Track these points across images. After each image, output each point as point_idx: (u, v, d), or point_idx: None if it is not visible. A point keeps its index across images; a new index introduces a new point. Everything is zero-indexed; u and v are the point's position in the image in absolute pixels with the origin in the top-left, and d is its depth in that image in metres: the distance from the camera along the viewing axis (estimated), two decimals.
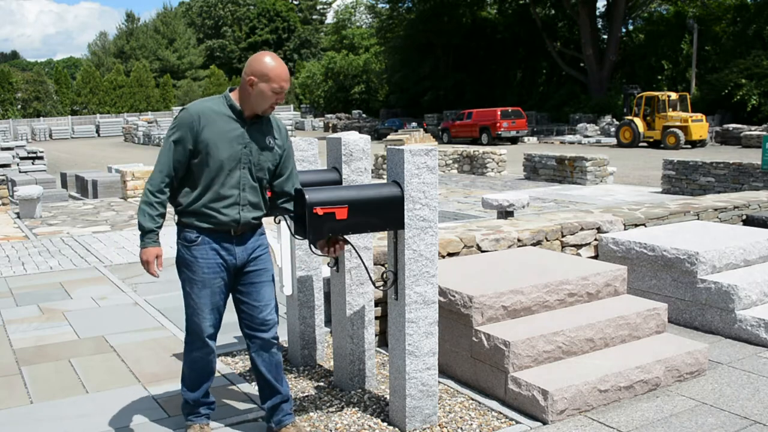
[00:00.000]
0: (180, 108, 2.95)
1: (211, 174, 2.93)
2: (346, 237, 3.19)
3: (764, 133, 24.25)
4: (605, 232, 5.63)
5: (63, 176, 17.64)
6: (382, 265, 4.38)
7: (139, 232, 2.95)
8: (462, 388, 3.81)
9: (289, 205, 3.20)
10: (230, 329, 4.91)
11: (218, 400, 3.69)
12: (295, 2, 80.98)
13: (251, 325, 3.16)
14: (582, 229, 5.54)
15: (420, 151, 3.12)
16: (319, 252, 3.23)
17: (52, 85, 59.61)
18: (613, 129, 31.55)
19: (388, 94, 55.33)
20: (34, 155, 20.96)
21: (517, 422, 3.40)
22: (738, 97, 31.39)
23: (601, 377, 3.56)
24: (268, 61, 2.96)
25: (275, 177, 3.15)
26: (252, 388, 3.81)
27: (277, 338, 3.22)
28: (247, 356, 4.34)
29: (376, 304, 4.42)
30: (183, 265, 3.04)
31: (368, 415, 3.46)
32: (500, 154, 17.97)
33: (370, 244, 3.71)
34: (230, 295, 3.17)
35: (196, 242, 2.99)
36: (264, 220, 3.76)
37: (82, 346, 4.64)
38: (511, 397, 3.57)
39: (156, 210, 2.92)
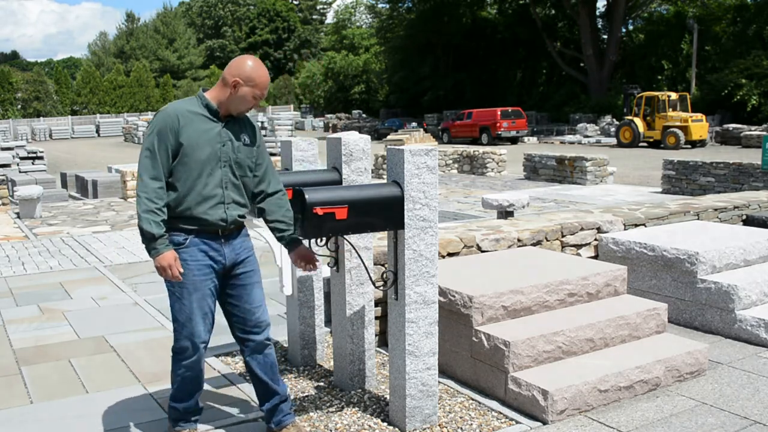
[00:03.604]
0: (156, 111, 2.92)
1: (193, 175, 2.91)
2: (346, 237, 3.19)
3: (764, 133, 24.24)
4: (605, 232, 5.63)
5: (63, 176, 17.65)
6: (382, 265, 4.38)
7: (146, 242, 2.87)
8: (462, 388, 3.81)
9: (266, 204, 3.15)
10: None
11: (218, 400, 3.69)
12: (295, 2, 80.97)
13: (244, 328, 3.13)
14: (582, 229, 5.54)
15: (420, 151, 3.12)
16: (319, 252, 3.22)
17: (52, 85, 59.62)
18: (613, 129, 31.54)
19: (388, 94, 55.32)
20: (34, 155, 20.94)
21: (517, 422, 3.40)
22: (738, 97, 31.39)
23: (601, 377, 3.55)
24: (255, 66, 2.96)
25: (253, 177, 3.12)
26: (252, 388, 3.80)
27: (270, 339, 3.20)
28: None
29: (376, 304, 4.42)
30: None
31: (368, 415, 3.46)
32: (500, 154, 17.96)
33: (370, 244, 3.71)
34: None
35: (184, 245, 2.94)
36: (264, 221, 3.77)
37: (82, 346, 4.64)
38: (511, 397, 3.57)
39: (159, 216, 2.85)
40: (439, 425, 3.34)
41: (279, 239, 3.20)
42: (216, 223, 2.96)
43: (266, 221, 3.18)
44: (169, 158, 2.89)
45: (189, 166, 2.90)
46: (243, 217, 3.07)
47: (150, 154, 2.87)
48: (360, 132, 18.17)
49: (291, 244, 3.18)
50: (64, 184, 17.05)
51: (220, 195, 2.96)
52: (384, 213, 3.10)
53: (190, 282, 2.95)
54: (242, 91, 2.93)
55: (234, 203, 3.01)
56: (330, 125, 50.08)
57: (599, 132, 33.67)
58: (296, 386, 3.85)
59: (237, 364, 4.21)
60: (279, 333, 4.79)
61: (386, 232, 3.39)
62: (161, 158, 2.87)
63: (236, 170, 3.01)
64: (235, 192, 3.02)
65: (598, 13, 42.49)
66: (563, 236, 5.44)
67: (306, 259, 3.19)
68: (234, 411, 3.54)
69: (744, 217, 6.64)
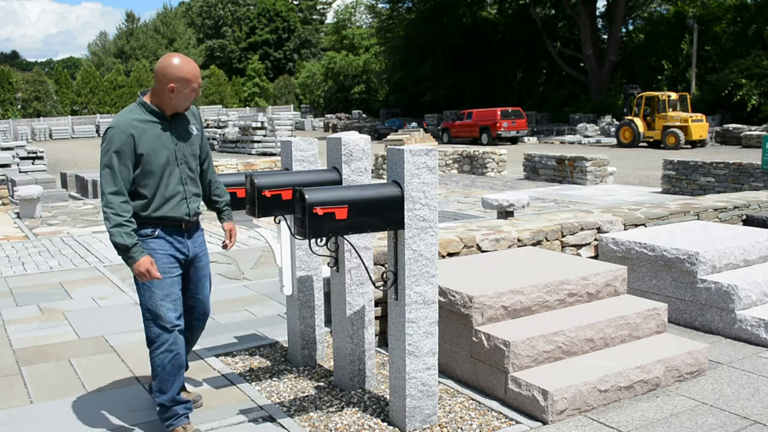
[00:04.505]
0: (107, 127, 3.13)
1: (156, 179, 3.09)
2: (346, 237, 3.21)
3: (764, 133, 24.25)
4: (605, 232, 5.63)
5: (63, 176, 17.64)
6: (382, 265, 4.38)
7: (121, 253, 3.01)
8: (462, 388, 3.81)
9: (217, 196, 3.49)
10: (230, 329, 4.92)
11: (218, 400, 3.69)
12: (295, 2, 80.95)
13: (193, 314, 3.43)
14: (582, 229, 5.54)
15: (420, 151, 3.12)
16: (319, 252, 3.23)
17: (52, 85, 59.60)
18: (613, 129, 31.56)
19: (388, 94, 55.34)
20: (34, 155, 20.98)
21: (517, 422, 3.40)
22: (738, 97, 31.41)
23: (601, 377, 3.56)
24: (182, 64, 3.09)
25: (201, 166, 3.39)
26: (252, 388, 3.81)
27: None
28: (247, 356, 4.35)
29: (376, 304, 4.42)
30: None
31: (368, 415, 3.46)
32: (500, 154, 17.96)
33: (370, 244, 3.71)
34: None
35: (152, 236, 3.13)
36: (264, 220, 3.85)
37: (82, 346, 4.64)
38: (511, 397, 3.57)
39: (128, 227, 2.99)
40: (439, 425, 3.35)
41: (214, 209, 3.52)
42: (181, 217, 3.18)
43: (214, 200, 3.50)
44: (130, 172, 3.04)
45: (152, 173, 3.08)
46: (199, 207, 3.34)
47: (110, 172, 3.00)
48: (360, 132, 18.16)
49: (223, 213, 3.52)
50: (64, 184, 17.04)
51: (182, 191, 3.19)
52: (384, 213, 3.10)
53: (159, 270, 3.09)
54: (181, 93, 3.10)
55: (194, 196, 3.26)
56: (330, 125, 50.08)
57: (599, 132, 33.67)
58: (296, 386, 3.85)
59: (237, 364, 4.21)
60: (279, 333, 4.79)
61: (386, 232, 3.39)
62: (122, 174, 3.01)
63: (191, 164, 3.24)
64: (193, 185, 3.26)
65: (598, 13, 42.49)
66: (563, 236, 5.44)
67: (233, 234, 3.51)
68: (234, 411, 3.54)
69: (744, 217, 6.64)
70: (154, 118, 3.11)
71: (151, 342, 3.16)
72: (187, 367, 3.55)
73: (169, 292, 3.12)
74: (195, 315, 3.43)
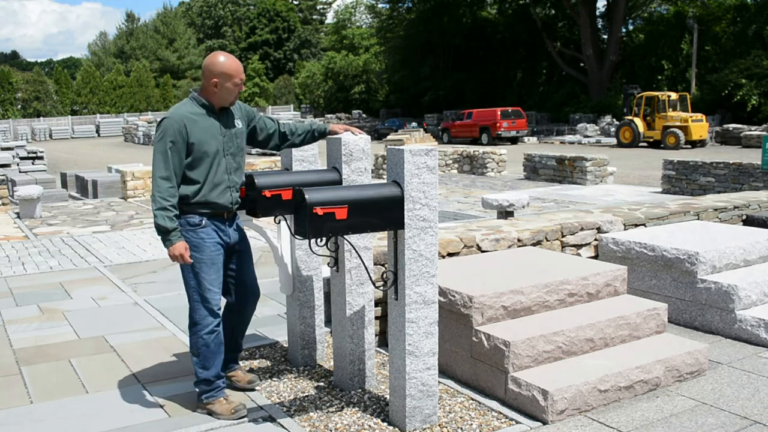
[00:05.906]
0: (162, 117, 3.39)
1: (206, 167, 3.33)
2: (346, 237, 3.22)
3: (764, 133, 24.25)
4: (605, 232, 5.63)
5: (63, 176, 17.63)
6: (382, 265, 4.38)
7: (161, 235, 3.26)
8: (462, 388, 3.81)
9: (290, 138, 3.75)
10: None
11: None
12: (295, 2, 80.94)
13: (243, 296, 3.68)
14: (582, 229, 5.54)
15: (420, 151, 3.12)
16: (319, 252, 3.24)
17: (52, 85, 59.57)
18: (613, 129, 31.54)
19: (388, 94, 55.30)
20: (34, 155, 20.98)
21: (517, 422, 3.40)
22: (738, 97, 31.39)
23: (601, 377, 3.56)
24: (224, 61, 3.36)
25: (257, 136, 3.67)
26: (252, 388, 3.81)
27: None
28: (247, 356, 4.35)
29: (376, 304, 4.42)
30: (190, 248, 3.33)
31: (368, 415, 3.46)
32: (500, 154, 17.96)
33: (370, 244, 3.71)
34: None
35: (200, 225, 3.37)
36: (264, 220, 3.90)
37: (82, 346, 4.64)
38: (511, 397, 3.57)
39: (172, 212, 3.24)
40: (439, 425, 3.35)
41: (314, 136, 3.80)
42: (225, 205, 3.42)
43: (300, 140, 3.79)
44: (182, 159, 3.29)
45: (202, 160, 3.32)
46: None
47: (162, 158, 3.24)
48: None
49: (321, 129, 3.80)
50: (64, 184, 17.04)
51: (227, 180, 3.42)
52: (384, 213, 3.10)
53: (208, 257, 3.38)
54: (224, 87, 3.35)
55: (236, 186, 3.49)
56: None
57: (599, 132, 33.66)
58: (296, 386, 3.85)
59: None
60: (279, 333, 4.79)
61: (386, 232, 3.39)
62: (173, 161, 3.25)
63: (237, 155, 3.48)
64: (237, 176, 3.48)
65: (598, 13, 42.47)
66: (563, 236, 5.44)
67: (348, 129, 3.74)
68: None
69: (744, 217, 6.64)
70: (205, 111, 3.36)
71: (195, 323, 3.42)
72: (240, 348, 3.88)
73: (216, 277, 3.41)
74: (245, 296, 3.67)
